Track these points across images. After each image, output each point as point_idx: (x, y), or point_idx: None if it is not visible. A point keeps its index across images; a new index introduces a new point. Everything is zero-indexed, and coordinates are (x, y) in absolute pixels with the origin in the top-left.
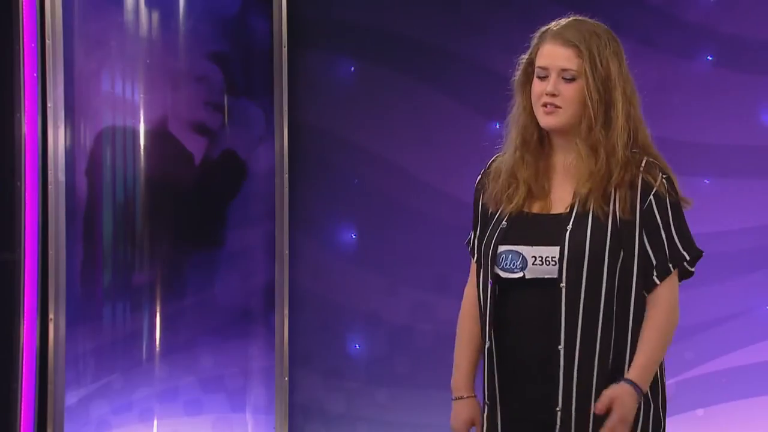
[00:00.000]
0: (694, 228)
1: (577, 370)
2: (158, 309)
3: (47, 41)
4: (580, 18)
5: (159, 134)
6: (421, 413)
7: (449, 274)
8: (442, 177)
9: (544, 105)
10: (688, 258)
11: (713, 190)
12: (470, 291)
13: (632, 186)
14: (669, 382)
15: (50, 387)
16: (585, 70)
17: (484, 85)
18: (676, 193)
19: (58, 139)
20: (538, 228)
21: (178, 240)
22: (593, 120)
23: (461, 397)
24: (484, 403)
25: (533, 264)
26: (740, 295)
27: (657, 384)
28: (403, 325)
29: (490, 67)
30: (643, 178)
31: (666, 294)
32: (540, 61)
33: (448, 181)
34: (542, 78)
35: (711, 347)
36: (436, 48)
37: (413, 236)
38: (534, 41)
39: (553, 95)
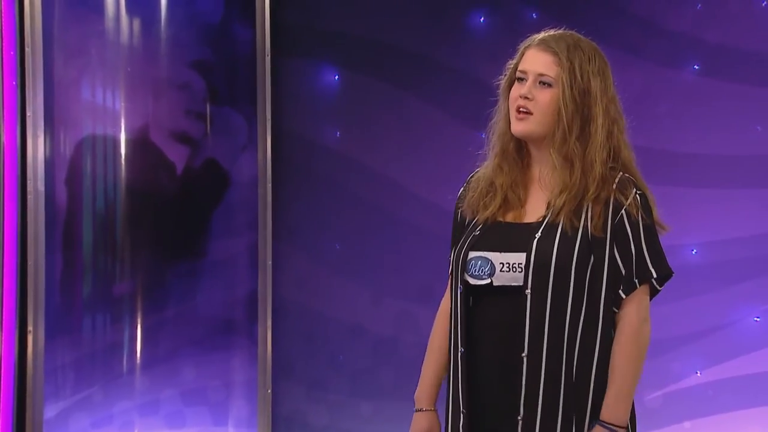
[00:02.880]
0: (681, 238)
1: (544, 380)
2: (139, 320)
3: (26, 49)
4: (567, 32)
5: (140, 143)
6: (405, 426)
7: (434, 284)
8: (428, 186)
9: (518, 110)
10: (655, 275)
11: (699, 199)
12: (444, 304)
13: (606, 203)
14: (656, 395)
15: (29, 400)
16: (562, 78)
17: (470, 94)
18: (650, 210)
19: (37, 148)
20: (508, 235)
21: (160, 250)
22: (567, 131)
23: (421, 410)
24: (459, 411)
25: (501, 270)
26: (728, 306)
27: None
28: (387, 336)
29: (476, 76)
30: (615, 195)
31: (632, 314)
32: (521, 66)
33: (433, 191)
34: (521, 81)
35: (698, 359)
36: (421, 56)
37: (398, 246)
38: (520, 48)
39: (527, 98)
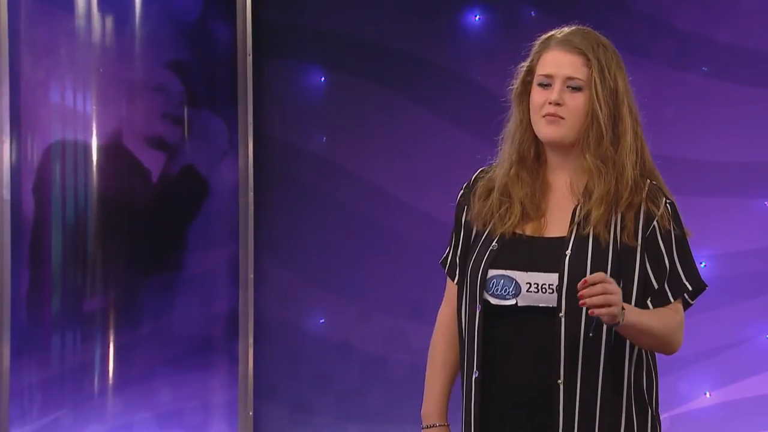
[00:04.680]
0: None
1: (579, 404)
2: (111, 338)
3: None
4: (584, 27)
5: (113, 149)
6: None
7: (426, 299)
8: (419, 194)
9: (545, 117)
10: (690, 289)
11: (708, 209)
12: (445, 312)
13: (637, 211)
14: (662, 417)
15: None
16: (594, 80)
17: (465, 97)
18: (680, 220)
19: (2, 153)
20: (533, 252)
21: (134, 263)
22: (602, 134)
23: (432, 426)
24: None
25: (527, 291)
26: (739, 323)
27: (652, 384)
28: (376, 355)
29: (471, 77)
30: (646, 204)
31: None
32: (543, 69)
33: (425, 199)
34: (545, 86)
35: (707, 379)
36: (412, 56)
37: (388, 258)
38: (535, 48)
39: (558, 104)
